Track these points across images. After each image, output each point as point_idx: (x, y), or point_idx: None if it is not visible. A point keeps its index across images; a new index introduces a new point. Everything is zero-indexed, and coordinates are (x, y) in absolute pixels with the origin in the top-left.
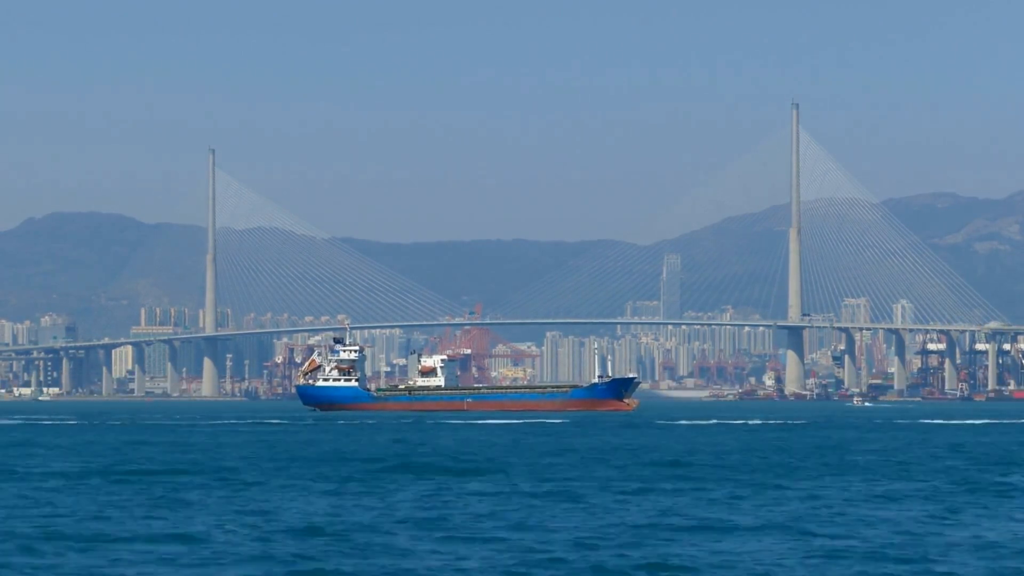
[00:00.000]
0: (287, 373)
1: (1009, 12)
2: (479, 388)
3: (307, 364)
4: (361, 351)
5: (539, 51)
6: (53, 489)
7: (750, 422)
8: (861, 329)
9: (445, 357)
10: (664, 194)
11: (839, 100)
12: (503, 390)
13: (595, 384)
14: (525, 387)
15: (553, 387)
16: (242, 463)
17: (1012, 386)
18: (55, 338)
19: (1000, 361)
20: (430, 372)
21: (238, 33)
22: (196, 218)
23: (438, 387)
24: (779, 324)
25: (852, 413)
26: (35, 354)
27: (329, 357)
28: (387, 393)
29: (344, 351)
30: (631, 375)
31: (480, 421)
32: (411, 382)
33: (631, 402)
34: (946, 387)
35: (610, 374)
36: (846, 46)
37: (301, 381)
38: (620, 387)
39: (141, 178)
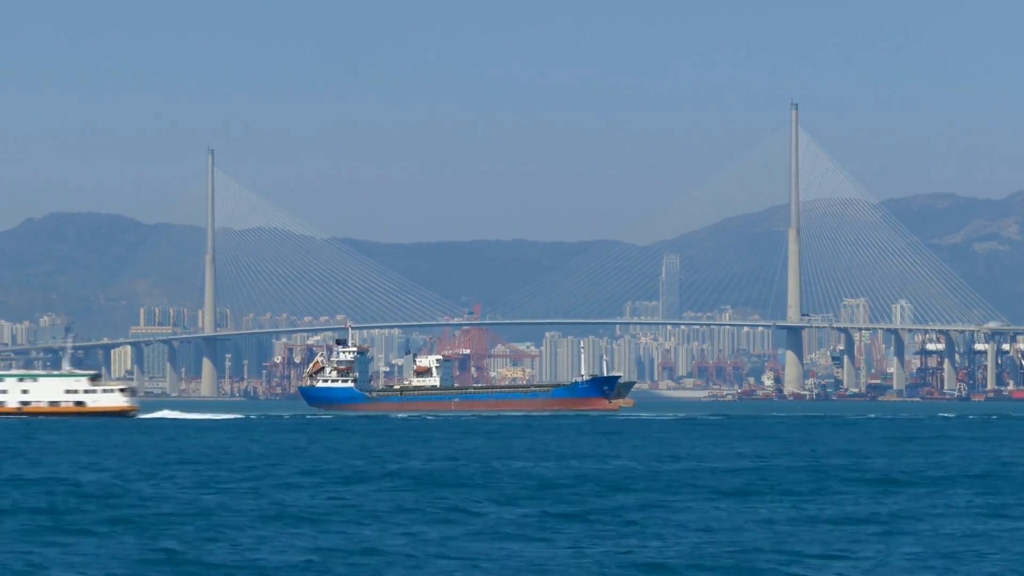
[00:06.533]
0: (286, 373)
1: (1008, 12)
2: (467, 388)
3: (312, 365)
4: (363, 352)
5: (539, 51)
6: None
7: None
8: (860, 329)
9: (441, 357)
10: (663, 194)
11: (839, 100)
12: (490, 390)
13: (576, 383)
14: (508, 387)
15: (536, 386)
16: None
17: (1011, 386)
18: (54, 338)
19: (999, 361)
20: (425, 372)
21: (237, 33)
22: (195, 218)
23: (433, 387)
24: (778, 324)
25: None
26: (34, 354)
27: (331, 358)
28: (381, 393)
29: (343, 352)
30: (616, 373)
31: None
32: (406, 382)
33: (625, 402)
34: (945, 387)
35: (604, 373)
36: (846, 46)
37: (307, 382)
38: (602, 386)
39: (140, 178)
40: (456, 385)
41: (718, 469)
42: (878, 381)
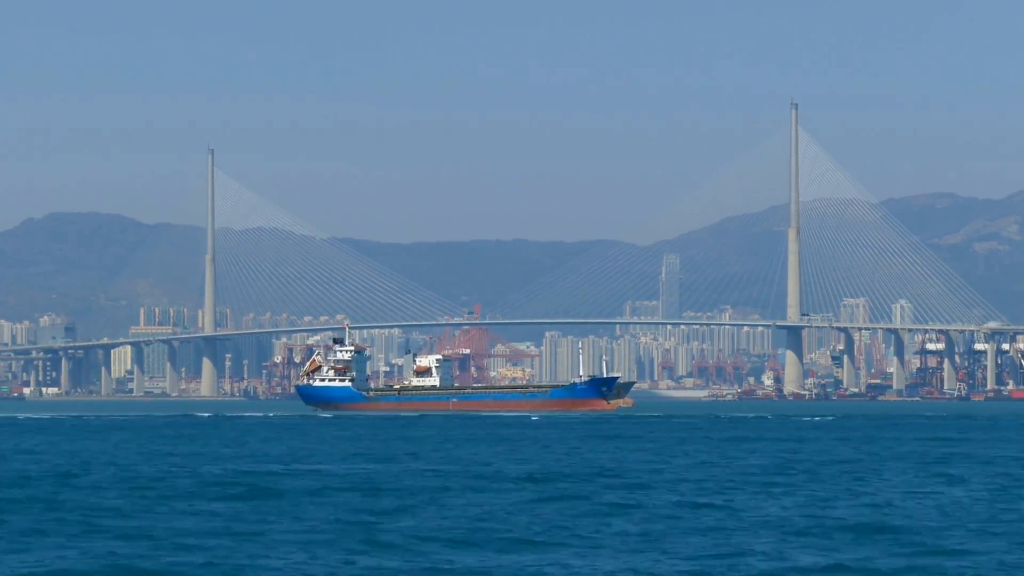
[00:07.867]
0: (286, 373)
1: (1008, 12)
2: (465, 388)
3: (309, 364)
4: (361, 351)
5: (539, 52)
6: None
7: None
8: (860, 329)
9: (440, 357)
10: (663, 194)
11: (839, 100)
12: (487, 390)
13: (575, 383)
14: (507, 387)
15: (535, 387)
16: None
17: (1011, 386)
18: (54, 338)
19: (999, 361)
20: (425, 372)
21: (237, 33)
22: (195, 218)
23: (433, 387)
24: (778, 324)
25: None
26: (34, 354)
27: (328, 357)
28: (378, 393)
29: (340, 351)
30: (615, 374)
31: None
32: (406, 382)
33: (625, 402)
34: (945, 387)
35: (604, 373)
36: (846, 46)
37: (304, 381)
38: (601, 386)
39: (140, 178)
40: (456, 385)
41: None
42: (878, 381)
